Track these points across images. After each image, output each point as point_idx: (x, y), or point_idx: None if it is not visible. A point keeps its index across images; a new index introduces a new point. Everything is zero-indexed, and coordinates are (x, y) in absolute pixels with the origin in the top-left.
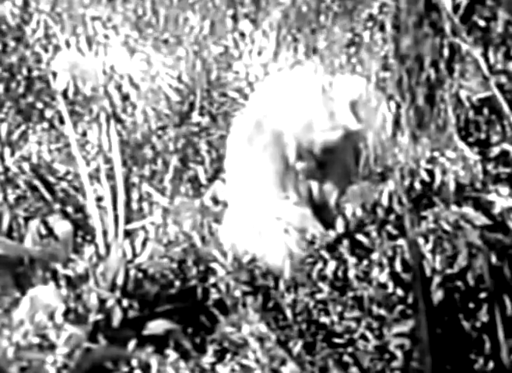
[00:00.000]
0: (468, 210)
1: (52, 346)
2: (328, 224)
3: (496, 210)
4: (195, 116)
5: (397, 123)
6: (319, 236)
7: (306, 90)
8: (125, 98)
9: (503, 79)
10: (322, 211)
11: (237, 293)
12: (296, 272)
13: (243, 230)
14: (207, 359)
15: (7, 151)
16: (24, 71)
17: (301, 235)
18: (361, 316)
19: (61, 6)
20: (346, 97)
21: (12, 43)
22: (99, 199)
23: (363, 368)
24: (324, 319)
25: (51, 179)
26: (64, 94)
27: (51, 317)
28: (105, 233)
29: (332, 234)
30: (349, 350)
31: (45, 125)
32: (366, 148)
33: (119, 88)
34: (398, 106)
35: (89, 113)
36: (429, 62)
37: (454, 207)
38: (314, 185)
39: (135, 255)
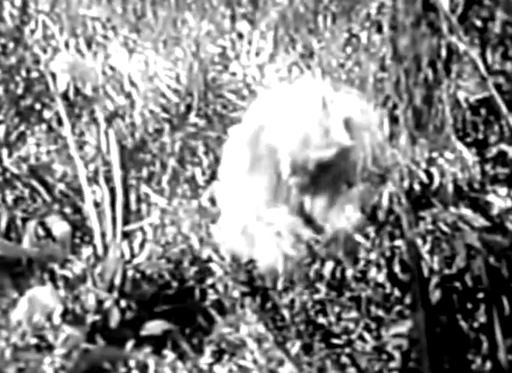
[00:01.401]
0: (466, 211)
1: (50, 347)
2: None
3: (494, 211)
4: (192, 118)
5: (395, 122)
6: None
7: (303, 105)
8: (125, 98)
9: (501, 80)
10: (313, 223)
11: (235, 294)
12: (290, 275)
13: (235, 234)
14: (205, 359)
15: (5, 152)
16: (23, 73)
17: (296, 238)
18: (359, 317)
19: (60, 7)
20: (341, 114)
21: (10, 45)
22: (97, 200)
23: (361, 369)
24: (321, 320)
25: (49, 180)
26: (64, 95)
27: (49, 318)
28: (103, 234)
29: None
30: (347, 350)
31: (43, 126)
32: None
33: (119, 88)
34: (396, 107)
35: (89, 114)
36: (427, 62)
37: (452, 208)
38: (307, 199)
39: (132, 256)
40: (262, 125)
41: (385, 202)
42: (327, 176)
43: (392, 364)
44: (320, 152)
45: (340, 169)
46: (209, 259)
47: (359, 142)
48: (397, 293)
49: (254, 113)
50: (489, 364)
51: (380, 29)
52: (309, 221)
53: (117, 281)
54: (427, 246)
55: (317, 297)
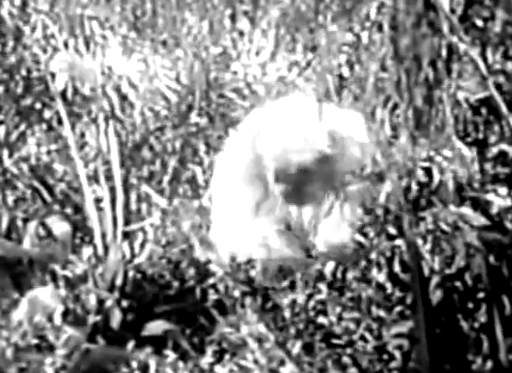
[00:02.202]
0: (466, 210)
1: (51, 348)
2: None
3: (494, 210)
4: (193, 117)
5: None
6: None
7: (290, 117)
8: (124, 98)
9: (502, 79)
10: (300, 238)
11: (236, 293)
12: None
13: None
14: (206, 359)
15: (5, 152)
16: (23, 72)
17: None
18: (360, 317)
19: (59, 7)
20: (326, 125)
21: (10, 44)
22: (97, 200)
23: (362, 369)
24: (322, 320)
25: (50, 180)
26: (63, 95)
27: (50, 318)
28: (104, 234)
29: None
30: (348, 350)
31: (44, 126)
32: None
33: (117, 88)
34: (396, 107)
35: (88, 114)
36: (428, 62)
37: (452, 208)
38: (293, 210)
39: (133, 256)
40: (253, 136)
41: (383, 201)
42: (311, 185)
43: (393, 364)
44: (300, 156)
45: (323, 177)
46: (209, 260)
47: (343, 153)
48: (397, 293)
49: (246, 125)
50: (489, 364)
51: (380, 29)
52: (296, 235)
53: (118, 282)
54: (428, 246)
55: (318, 297)
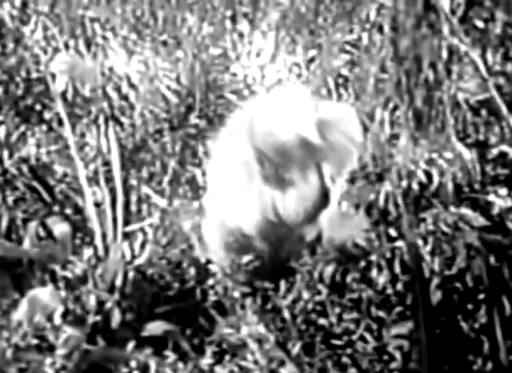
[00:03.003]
0: (466, 211)
1: (51, 348)
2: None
3: (495, 211)
4: (193, 119)
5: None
6: None
7: (280, 107)
8: (124, 99)
9: (502, 81)
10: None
11: (236, 294)
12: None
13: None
14: (205, 360)
15: (6, 152)
16: (23, 73)
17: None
18: (360, 318)
19: (59, 8)
20: (315, 114)
21: (10, 45)
22: (97, 201)
23: (362, 370)
24: (322, 321)
25: (50, 180)
26: (63, 96)
27: (50, 318)
28: (104, 235)
29: None
30: (348, 351)
31: (44, 127)
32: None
33: (118, 89)
34: (396, 108)
35: (88, 115)
36: (428, 64)
37: (452, 209)
38: (276, 195)
39: (133, 256)
40: (242, 121)
41: (382, 202)
42: (292, 170)
43: (393, 365)
44: (283, 139)
45: (307, 163)
46: (209, 261)
47: (331, 142)
48: (398, 294)
49: (239, 116)
50: (490, 365)
51: (380, 30)
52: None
53: (118, 282)
54: (428, 247)
55: (318, 298)
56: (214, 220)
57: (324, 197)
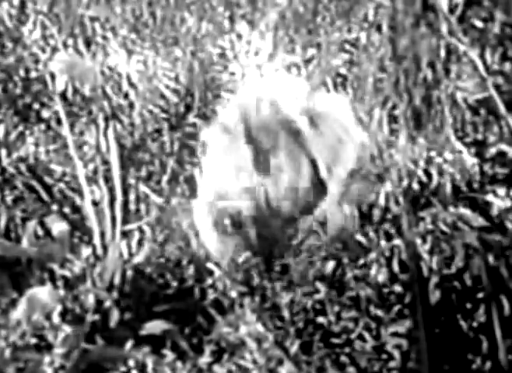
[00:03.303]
0: (465, 211)
1: (49, 347)
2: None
3: (494, 211)
4: (192, 118)
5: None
6: None
7: (273, 89)
8: (123, 98)
9: (500, 80)
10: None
11: (234, 293)
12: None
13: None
14: (204, 359)
15: (4, 152)
16: (21, 72)
17: None
18: (358, 316)
19: (58, 7)
20: (307, 103)
21: (9, 44)
22: (96, 200)
23: (361, 368)
24: (321, 319)
25: (48, 180)
26: (63, 95)
27: (48, 317)
28: (102, 234)
29: None
30: (347, 350)
31: (42, 126)
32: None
33: (117, 88)
34: (395, 107)
35: (87, 114)
36: (426, 63)
37: (451, 208)
38: (269, 185)
39: (132, 255)
40: (234, 105)
41: (383, 201)
42: (279, 154)
43: (392, 364)
44: (270, 123)
45: (293, 149)
46: (208, 259)
47: (320, 130)
48: (396, 293)
49: (232, 101)
50: (488, 364)
51: (379, 30)
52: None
53: (117, 281)
54: (427, 246)
55: (316, 296)
56: (205, 200)
57: (319, 189)
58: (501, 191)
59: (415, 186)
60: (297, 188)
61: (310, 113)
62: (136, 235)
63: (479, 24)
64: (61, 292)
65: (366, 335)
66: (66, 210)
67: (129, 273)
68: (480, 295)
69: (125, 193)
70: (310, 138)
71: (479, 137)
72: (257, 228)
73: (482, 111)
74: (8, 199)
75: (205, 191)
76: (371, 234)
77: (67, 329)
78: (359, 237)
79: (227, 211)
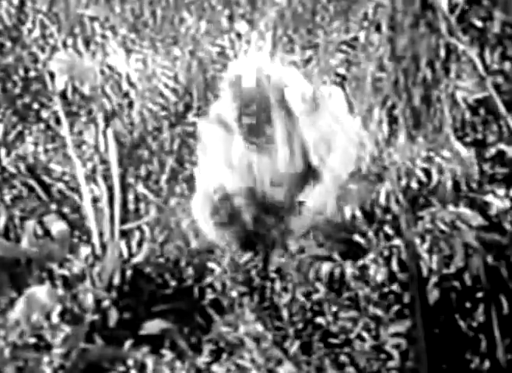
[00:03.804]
0: (464, 210)
1: (48, 346)
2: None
3: (492, 210)
4: (191, 117)
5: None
6: None
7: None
8: (123, 97)
9: (500, 79)
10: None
11: (233, 293)
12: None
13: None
14: (203, 359)
15: (3, 151)
16: (21, 72)
17: None
18: (358, 316)
19: (57, 6)
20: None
21: (8, 44)
22: (95, 199)
23: (360, 368)
24: (320, 320)
25: (47, 179)
26: (62, 94)
27: (47, 317)
28: (101, 233)
29: None
30: (346, 350)
31: (41, 125)
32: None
33: (117, 88)
34: (394, 106)
35: (87, 114)
36: (426, 62)
37: (450, 208)
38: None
39: (131, 255)
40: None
41: (383, 201)
42: (270, 126)
43: (391, 363)
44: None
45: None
46: (208, 259)
47: (315, 119)
48: (395, 292)
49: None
50: (487, 363)
51: (378, 29)
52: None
53: (116, 281)
54: (426, 245)
55: (315, 297)
56: (203, 191)
57: (309, 174)
58: (500, 191)
59: (414, 185)
60: (291, 174)
61: (304, 100)
62: (135, 235)
63: (479, 23)
64: (60, 292)
65: (365, 335)
66: (65, 209)
67: (128, 272)
68: (479, 295)
69: (124, 192)
70: (302, 124)
71: (479, 136)
72: (253, 213)
73: (482, 110)
74: (7, 198)
75: (203, 182)
76: (370, 234)
77: (66, 328)
78: (358, 237)
79: (224, 201)
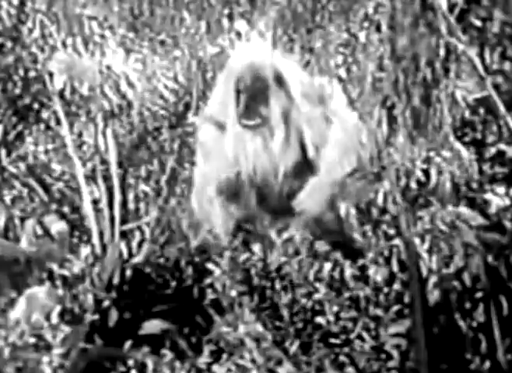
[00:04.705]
0: (464, 210)
1: (48, 347)
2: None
3: (492, 210)
4: (191, 117)
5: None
6: None
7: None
8: (122, 97)
9: (499, 79)
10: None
11: (233, 293)
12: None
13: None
14: (203, 359)
15: (3, 151)
16: (20, 72)
17: None
18: (357, 316)
19: (57, 6)
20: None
21: (8, 44)
22: (95, 200)
23: (360, 368)
24: (320, 319)
25: (47, 179)
26: (61, 94)
27: (47, 317)
28: (101, 233)
29: None
30: (346, 350)
31: (41, 126)
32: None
33: (116, 88)
34: (394, 106)
35: (86, 114)
36: (425, 62)
37: (450, 207)
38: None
39: (131, 255)
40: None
41: (380, 200)
42: (266, 105)
43: (391, 364)
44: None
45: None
46: (207, 258)
47: (311, 112)
48: (395, 292)
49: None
50: (487, 364)
51: (378, 29)
52: None
53: (116, 281)
54: (425, 245)
55: (316, 296)
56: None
57: (305, 166)
58: (500, 190)
59: (414, 185)
60: (286, 162)
61: (303, 85)
62: (135, 235)
63: (478, 23)
64: (60, 292)
65: (365, 335)
66: (65, 209)
67: (128, 272)
68: (479, 295)
69: (124, 192)
70: (298, 115)
71: (478, 136)
72: (256, 191)
73: (481, 110)
74: (7, 198)
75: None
76: (369, 233)
77: (66, 328)
78: (357, 237)
79: (227, 180)
